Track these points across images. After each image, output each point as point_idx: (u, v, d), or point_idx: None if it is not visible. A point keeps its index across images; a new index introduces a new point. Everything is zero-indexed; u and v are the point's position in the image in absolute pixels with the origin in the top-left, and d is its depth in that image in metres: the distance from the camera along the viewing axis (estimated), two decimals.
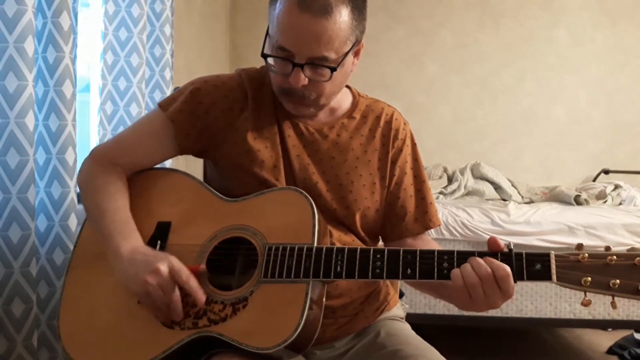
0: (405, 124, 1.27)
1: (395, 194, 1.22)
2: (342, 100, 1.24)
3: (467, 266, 0.95)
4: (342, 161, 1.18)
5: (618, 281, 0.89)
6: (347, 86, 1.27)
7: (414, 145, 1.26)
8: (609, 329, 3.04)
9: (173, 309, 1.01)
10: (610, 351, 2.80)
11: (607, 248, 0.93)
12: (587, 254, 0.91)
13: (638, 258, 0.89)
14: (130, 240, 1.07)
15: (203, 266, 1.06)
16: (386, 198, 1.22)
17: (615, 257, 0.90)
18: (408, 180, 1.23)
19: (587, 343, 2.98)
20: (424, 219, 1.24)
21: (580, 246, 0.93)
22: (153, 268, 1.00)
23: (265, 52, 1.10)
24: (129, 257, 1.04)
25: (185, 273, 1.01)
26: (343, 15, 1.05)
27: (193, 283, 1.01)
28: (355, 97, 1.26)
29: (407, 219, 1.22)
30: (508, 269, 0.93)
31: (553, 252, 0.93)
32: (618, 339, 2.85)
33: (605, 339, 2.93)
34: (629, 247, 0.95)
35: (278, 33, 1.06)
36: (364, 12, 1.10)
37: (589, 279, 0.90)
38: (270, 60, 1.10)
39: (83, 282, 1.14)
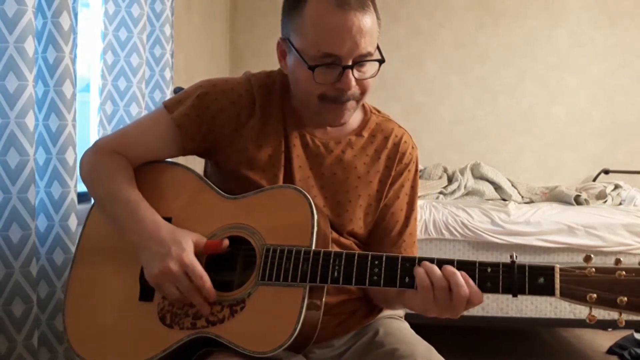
0: (413, 147, 1.24)
1: (381, 215, 1.20)
2: (353, 115, 1.21)
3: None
4: (343, 179, 1.17)
5: (626, 298, 0.85)
6: None
7: (416, 171, 1.24)
8: (609, 329, 3.04)
9: (194, 304, 1.02)
10: (610, 351, 2.80)
11: (617, 261, 0.89)
12: (594, 269, 0.87)
13: None
14: (145, 221, 1.07)
15: (226, 242, 1.05)
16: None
17: (624, 272, 0.86)
18: (399, 205, 1.21)
19: (587, 343, 2.98)
20: (400, 248, 1.21)
21: (588, 258, 0.89)
22: (163, 266, 1.00)
23: (310, 64, 1.05)
24: (142, 246, 1.05)
25: (197, 271, 1.00)
26: (373, 9, 1.07)
27: (204, 281, 1.01)
28: (367, 114, 1.24)
29: (385, 242, 1.21)
30: (464, 285, 0.92)
31: (558, 265, 0.90)
32: (618, 339, 2.84)
33: (605, 339, 2.93)
34: (634, 246, 0.91)
35: (319, 40, 1.04)
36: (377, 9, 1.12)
37: (595, 295, 0.86)
38: (315, 71, 1.05)
39: (87, 280, 1.15)
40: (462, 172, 3.35)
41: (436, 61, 3.85)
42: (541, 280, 0.90)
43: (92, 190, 1.19)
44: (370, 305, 1.22)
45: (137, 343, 1.05)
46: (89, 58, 2.03)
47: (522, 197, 3.24)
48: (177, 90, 2.13)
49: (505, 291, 0.92)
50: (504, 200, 3.18)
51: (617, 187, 3.18)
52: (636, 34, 3.75)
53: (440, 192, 3.19)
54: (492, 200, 3.20)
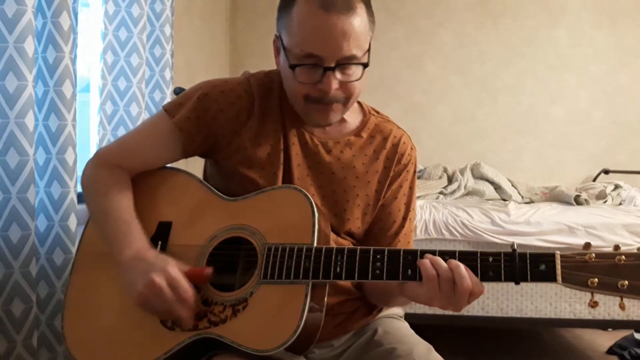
0: (412, 148, 1.24)
1: (378, 215, 1.21)
2: (352, 115, 1.22)
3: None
4: (341, 178, 1.17)
5: (627, 282, 0.86)
6: (358, 102, 1.26)
7: (414, 172, 1.24)
8: (609, 329, 3.03)
9: (180, 317, 1.02)
10: (610, 351, 2.80)
11: (616, 247, 0.90)
12: (594, 254, 0.89)
13: None
14: (133, 244, 1.07)
15: (209, 270, 1.04)
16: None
17: (624, 257, 0.87)
18: (396, 206, 1.21)
19: (587, 343, 2.98)
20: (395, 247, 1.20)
21: (587, 245, 0.91)
22: (148, 279, 1.00)
23: (291, 63, 1.06)
24: (127, 266, 1.05)
25: (182, 284, 1.00)
26: (363, 11, 1.05)
27: (189, 295, 1.01)
28: (366, 115, 1.24)
29: (380, 240, 1.21)
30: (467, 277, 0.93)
31: (558, 252, 0.91)
32: (618, 339, 2.84)
33: (605, 339, 2.93)
34: (634, 246, 0.92)
35: (303, 40, 1.04)
36: (372, 10, 1.10)
37: (596, 280, 0.88)
38: (297, 70, 1.07)
39: (86, 284, 1.14)
40: (462, 172, 3.35)
41: (436, 61, 3.85)
42: (542, 267, 0.91)
43: (88, 204, 1.19)
44: (370, 305, 1.22)
45: (139, 346, 1.05)
46: (89, 58, 2.03)
47: (522, 197, 3.24)
48: (177, 90, 2.13)
49: (508, 279, 0.93)
50: (504, 200, 3.18)
51: (617, 187, 3.18)
52: (636, 34, 3.75)
53: (440, 192, 3.19)
54: (492, 200, 3.20)
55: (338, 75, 1.06)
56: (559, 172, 3.77)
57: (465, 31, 3.83)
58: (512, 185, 3.32)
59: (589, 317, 2.55)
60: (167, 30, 2.10)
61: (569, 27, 3.78)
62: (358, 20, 1.04)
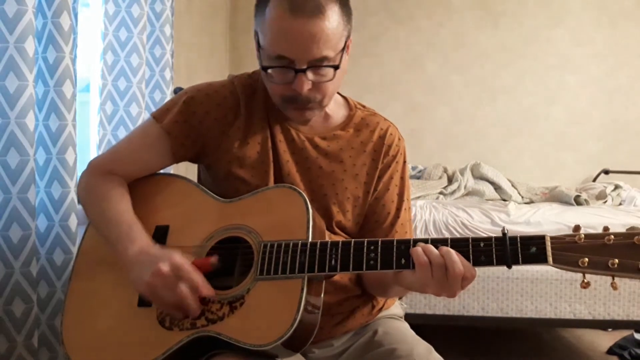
0: (399, 139, 1.25)
1: (372, 208, 1.21)
2: (337, 110, 1.23)
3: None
4: (329, 172, 1.18)
5: (617, 261, 0.87)
6: (344, 97, 1.27)
7: (404, 163, 1.25)
8: (609, 329, 3.03)
9: (186, 306, 1.01)
10: (610, 351, 2.80)
11: (605, 228, 0.91)
12: (583, 235, 0.90)
13: (637, 237, 0.88)
14: (136, 242, 1.07)
15: (214, 258, 1.05)
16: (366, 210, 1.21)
17: (613, 236, 0.88)
18: (389, 197, 1.22)
19: (587, 343, 2.98)
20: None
21: (577, 228, 0.92)
22: (154, 269, 1.00)
23: (263, 64, 1.09)
24: (134, 261, 1.05)
25: (186, 268, 1.00)
26: (335, 12, 1.05)
27: (196, 277, 1.01)
28: (352, 110, 1.25)
29: (376, 233, 1.21)
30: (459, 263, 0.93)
31: (548, 234, 0.92)
32: (618, 339, 2.84)
33: (605, 339, 2.93)
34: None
35: (273, 43, 1.05)
36: (349, 7, 1.10)
37: (586, 259, 0.88)
38: (270, 71, 1.08)
39: (85, 290, 1.15)
40: (462, 172, 3.35)
41: (436, 61, 3.85)
42: (533, 249, 0.92)
43: (87, 212, 1.20)
44: (369, 304, 1.22)
45: (137, 347, 1.05)
46: (89, 58, 2.03)
47: (522, 197, 3.24)
48: (177, 90, 2.13)
49: (500, 262, 0.94)
50: (504, 200, 3.18)
51: (617, 187, 3.18)
52: (636, 34, 3.75)
53: (440, 192, 3.19)
54: (492, 200, 3.20)
55: (310, 76, 1.07)
56: (559, 172, 3.77)
57: (465, 31, 3.83)
58: (512, 186, 3.32)
59: (589, 317, 2.55)
60: (167, 30, 2.10)
61: (569, 27, 3.78)
62: (328, 22, 1.03)
